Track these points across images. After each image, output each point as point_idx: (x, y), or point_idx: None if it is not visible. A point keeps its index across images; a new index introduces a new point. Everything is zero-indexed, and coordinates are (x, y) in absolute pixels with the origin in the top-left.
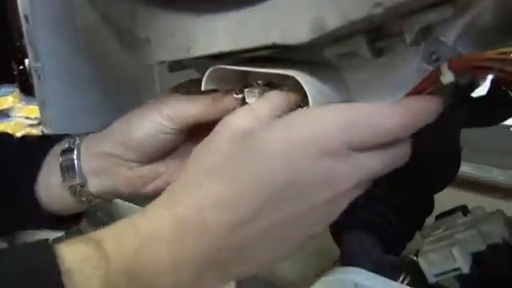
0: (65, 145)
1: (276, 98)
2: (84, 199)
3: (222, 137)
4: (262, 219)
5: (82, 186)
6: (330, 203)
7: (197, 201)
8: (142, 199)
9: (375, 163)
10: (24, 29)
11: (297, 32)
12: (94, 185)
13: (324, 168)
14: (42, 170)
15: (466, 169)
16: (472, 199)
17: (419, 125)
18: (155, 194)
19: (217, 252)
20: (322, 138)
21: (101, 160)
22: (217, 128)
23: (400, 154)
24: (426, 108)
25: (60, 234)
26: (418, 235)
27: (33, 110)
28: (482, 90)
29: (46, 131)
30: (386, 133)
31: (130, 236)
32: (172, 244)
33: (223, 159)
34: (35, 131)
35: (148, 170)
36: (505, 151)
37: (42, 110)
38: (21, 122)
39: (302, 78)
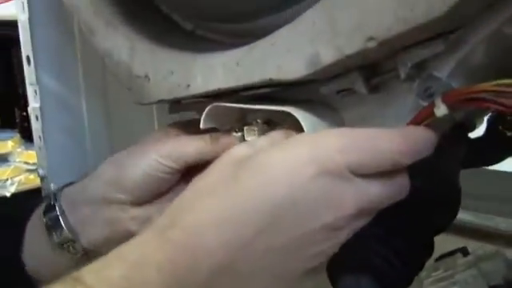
0: (45, 203)
1: (275, 136)
2: (78, 255)
3: (222, 162)
4: (262, 240)
5: (74, 242)
6: (331, 229)
7: (195, 221)
8: None
9: (375, 190)
10: (25, 70)
11: (293, 67)
12: (85, 236)
13: (324, 188)
14: (26, 236)
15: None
16: (473, 246)
17: (417, 154)
18: None
19: (211, 275)
20: (322, 157)
21: (88, 207)
22: (216, 160)
23: (399, 185)
24: (423, 137)
25: None
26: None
27: (32, 155)
28: (479, 131)
29: (41, 172)
30: (385, 157)
31: (114, 265)
32: (163, 267)
33: (222, 180)
34: (33, 176)
35: (141, 211)
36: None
37: (38, 152)
38: (19, 167)
39: (299, 114)
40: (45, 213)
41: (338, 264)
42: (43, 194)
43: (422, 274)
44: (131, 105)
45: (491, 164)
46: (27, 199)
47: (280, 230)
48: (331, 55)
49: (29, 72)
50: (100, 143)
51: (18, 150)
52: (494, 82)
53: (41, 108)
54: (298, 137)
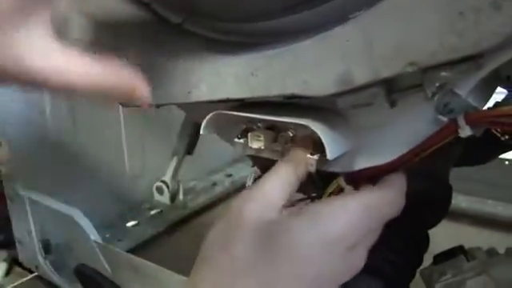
0: None
1: (285, 175)
2: None
3: (246, 227)
4: None
5: None
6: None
7: None
8: None
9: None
10: None
11: (320, 84)
12: None
13: (349, 261)
14: None
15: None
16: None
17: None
18: None
19: None
20: (349, 234)
21: None
22: (231, 215)
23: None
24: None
25: None
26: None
27: None
28: None
29: (3, 170)
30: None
31: None
32: None
33: (255, 257)
34: None
35: None
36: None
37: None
38: None
39: (317, 127)
40: None
41: None
42: (6, 193)
43: (426, 272)
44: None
45: (483, 163)
46: None
47: None
48: (366, 75)
49: None
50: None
51: None
52: None
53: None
54: (322, 208)
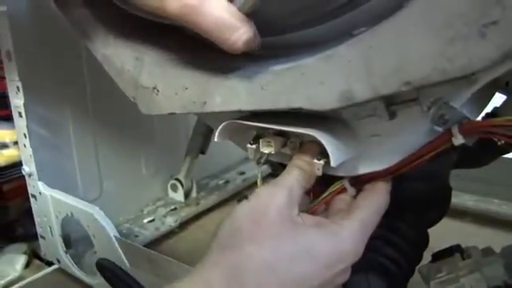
0: None
1: (299, 177)
2: None
3: (274, 220)
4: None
5: None
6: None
7: None
8: None
9: None
10: (5, 66)
11: (324, 99)
12: None
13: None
14: None
15: None
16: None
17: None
18: None
19: None
20: (357, 249)
21: None
22: (259, 206)
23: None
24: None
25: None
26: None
27: None
28: None
29: (26, 170)
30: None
31: None
32: None
33: (278, 251)
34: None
35: None
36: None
37: (22, 149)
38: None
39: (322, 137)
40: None
41: None
42: (30, 191)
43: (424, 270)
44: (113, 98)
45: (480, 166)
46: None
47: None
48: (366, 93)
49: (9, 68)
50: (84, 138)
51: None
52: (507, 118)
53: (25, 105)
54: (341, 228)
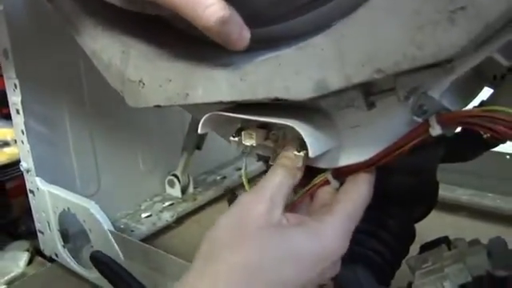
0: None
1: (283, 178)
2: None
3: (255, 228)
4: None
5: None
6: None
7: None
8: None
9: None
10: (2, 63)
11: (300, 89)
12: None
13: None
14: None
15: None
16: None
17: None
18: None
19: None
20: (341, 247)
21: None
22: (240, 214)
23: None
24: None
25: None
26: (403, 264)
27: None
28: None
29: (24, 166)
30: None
31: None
32: None
33: (262, 258)
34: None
35: None
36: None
37: (20, 146)
38: None
39: (300, 128)
40: None
41: None
42: (28, 187)
43: (411, 262)
44: (110, 95)
45: (466, 160)
46: None
47: None
48: (339, 82)
49: (7, 66)
50: (81, 134)
51: None
52: (484, 108)
53: (22, 102)
54: (325, 228)
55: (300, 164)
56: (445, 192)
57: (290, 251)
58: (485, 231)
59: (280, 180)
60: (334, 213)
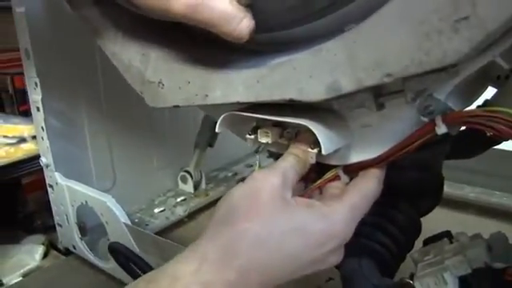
0: None
1: (294, 162)
2: None
3: (268, 198)
4: None
5: None
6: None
7: (242, 263)
8: None
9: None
10: (24, 63)
11: (313, 91)
12: None
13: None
14: None
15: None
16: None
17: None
18: None
19: None
20: (346, 232)
21: None
22: (255, 184)
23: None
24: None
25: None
26: (408, 257)
27: (10, 129)
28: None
29: (44, 161)
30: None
31: None
32: None
33: (270, 228)
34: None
35: None
36: None
37: (40, 142)
38: None
39: (314, 127)
40: None
41: None
42: (47, 181)
43: (415, 255)
44: (126, 94)
45: (471, 156)
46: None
47: None
48: (351, 85)
49: (28, 65)
50: (98, 131)
51: None
52: (487, 109)
53: (42, 100)
54: (332, 211)
55: (313, 160)
56: (453, 190)
57: (300, 226)
58: (492, 228)
59: (291, 164)
60: (341, 201)
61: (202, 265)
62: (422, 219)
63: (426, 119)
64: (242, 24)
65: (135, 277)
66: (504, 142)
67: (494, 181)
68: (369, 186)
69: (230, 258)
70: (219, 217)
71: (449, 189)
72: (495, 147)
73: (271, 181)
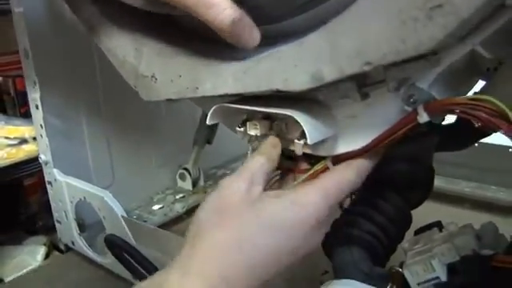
0: None
1: (265, 158)
2: None
3: (237, 203)
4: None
5: None
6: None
7: (222, 270)
8: None
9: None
10: (23, 62)
11: (298, 81)
12: None
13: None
14: None
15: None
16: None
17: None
18: None
19: None
20: (318, 213)
21: None
22: (223, 192)
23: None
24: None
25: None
26: (399, 248)
27: (12, 130)
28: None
29: (43, 158)
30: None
31: None
32: None
33: (244, 231)
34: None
35: None
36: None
37: (39, 139)
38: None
39: (299, 117)
40: None
41: (332, 239)
42: (46, 178)
43: (405, 245)
44: (123, 92)
45: (461, 148)
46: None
47: None
48: (333, 74)
49: (27, 64)
50: (96, 129)
51: None
52: (469, 96)
53: (41, 98)
54: (302, 195)
55: (300, 151)
56: (449, 184)
57: (269, 220)
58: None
59: (260, 163)
60: (312, 184)
61: (183, 277)
62: (418, 214)
63: (409, 108)
64: (225, 13)
65: (131, 269)
66: (501, 137)
67: (489, 175)
68: (344, 173)
69: (211, 268)
70: (192, 232)
71: (444, 183)
72: (492, 143)
73: (237, 186)
